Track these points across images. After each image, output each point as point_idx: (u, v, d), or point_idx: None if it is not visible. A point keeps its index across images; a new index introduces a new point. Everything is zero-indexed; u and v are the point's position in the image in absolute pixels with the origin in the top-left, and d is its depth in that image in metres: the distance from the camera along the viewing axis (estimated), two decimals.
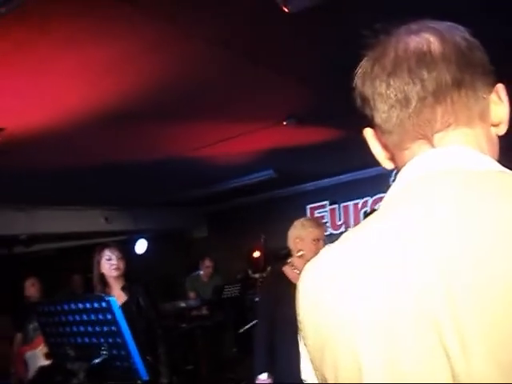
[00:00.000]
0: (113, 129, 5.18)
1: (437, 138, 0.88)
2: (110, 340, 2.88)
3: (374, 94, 0.92)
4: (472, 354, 0.68)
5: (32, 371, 5.44)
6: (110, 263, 4.07)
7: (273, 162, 7.57)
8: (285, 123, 5.60)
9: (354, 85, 0.97)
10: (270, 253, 8.19)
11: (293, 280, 3.76)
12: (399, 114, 0.89)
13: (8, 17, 2.74)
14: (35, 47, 3.35)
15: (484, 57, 0.90)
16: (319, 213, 9.68)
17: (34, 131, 4.88)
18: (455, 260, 0.72)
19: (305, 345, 0.91)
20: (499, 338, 0.67)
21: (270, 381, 3.73)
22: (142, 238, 10.04)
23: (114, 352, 2.89)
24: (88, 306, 2.91)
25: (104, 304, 2.83)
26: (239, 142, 6.22)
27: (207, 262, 8.77)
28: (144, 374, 2.86)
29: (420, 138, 0.89)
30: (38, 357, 5.36)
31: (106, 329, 2.88)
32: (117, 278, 4.10)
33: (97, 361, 2.93)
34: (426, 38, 0.88)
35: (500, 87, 0.91)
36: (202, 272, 8.82)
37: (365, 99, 0.95)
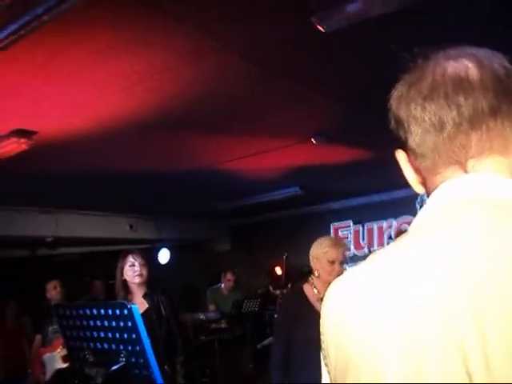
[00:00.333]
0: (143, 138, 5.23)
1: (470, 164, 0.87)
2: (130, 347, 2.89)
3: (408, 116, 0.91)
4: (496, 381, 0.67)
5: (49, 373, 5.46)
6: (133, 269, 4.07)
7: (299, 178, 7.57)
8: (313, 140, 5.61)
9: (388, 107, 0.97)
10: (291, 270, 8.17)
11: (311, 299, 3.72)
12: (433, 138, 0.88)
13: (48, 24, 2.79)
14: (72, 54, 3.41)
15: None
16: (343, 232, 9.65)
17: (65, 136, 4.95)
18: (482, 288, 0.72)
19: (326, 364, 0.90)
20: None
21: None
22: (165, 247, 10.08)
23: (133, 360, 2.89)
24: (110, 312, 2.91)
25: (126, 311, 2.83)
26: (267, 157, 6.24)
27: (229, 276, 8.76)
28: (161, 383, 2.86)
29: (453, 164, 0.88)
30: (56, 359, 5.39)
31: (126, 336, 2.89)
32: (139, 285, 4.10)
33: (115, 367, 2.93)
34: (464, 64, 0.88)
35: None
36: (223, 285, 8.81)
37: (399, 121, 0.94)
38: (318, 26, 3.07)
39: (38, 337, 5.89)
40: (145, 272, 4.10)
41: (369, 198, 9.14)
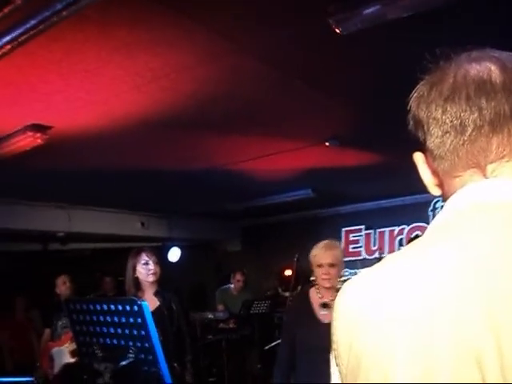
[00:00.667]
0: (156, 136, 5.25)
1: (490, 168, 0.86)
2: (139, 344, 2.90)
3: (428, 118, 0.90)
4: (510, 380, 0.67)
5: (57, 367, 5.50)
6: (147, 268, 4.07)
7: (312, 181, 7.56)
8: (327, 144, 5.60)
9: (408, 107, 0.96)
10: (301, 272, 8.16)
11: (314, 304, 3.72)
12: (453, 140, 0.88)
13: (66, 20, 2.80)
14: (90, 51, 3.43)
15: None
16: (354, 236, 9.63)
17: (80, 132, 4.97)
18: (496, 293, 0.71)
19: (337, 364, 0.90)
20: None
21: None
22: (176, 246, 10.10)
23: (142, 356, 2.91)
24: (120, 308, 2.93)
25: (136, 308, 2.85)
26: (280, 159, 6.24)
27: (238, 276, 8.76)
28: (169, 380, 2.87)
29: (472, 167, 0.88)
30: (64, 354, 5.42)
31: (135, 332, 2.90)
32: (151, 283, 4.10)
33: (123, 363, 2.95)
34: (486, 67, 0.87)
35: None
36: (232, 285, 8.82)
37: (418, 122, 0.93)
38: (335, 29, 3.06)
39: (47, 331, 5.93)
40: (158, 270, 4.11)
41: (381, 202, 9.13)
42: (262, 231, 10.68)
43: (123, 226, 9.09)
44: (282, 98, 4.43)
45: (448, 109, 0.88)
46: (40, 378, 5.71)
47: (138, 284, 4.10)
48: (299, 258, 7.61)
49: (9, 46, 2.84)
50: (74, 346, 4.97)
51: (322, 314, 3.64)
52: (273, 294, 9.06)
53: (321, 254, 3.72)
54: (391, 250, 8.94)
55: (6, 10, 2.60)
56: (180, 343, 3.95)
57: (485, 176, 0.87)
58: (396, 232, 9.18)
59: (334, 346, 0.90)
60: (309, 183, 7.71)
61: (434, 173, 0.95)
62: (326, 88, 4.25)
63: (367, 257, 9.30)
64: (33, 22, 2.64)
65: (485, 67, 0.87)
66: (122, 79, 3.89)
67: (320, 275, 3.67)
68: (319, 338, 3.55)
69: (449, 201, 0.90)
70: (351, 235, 9.68)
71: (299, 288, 7.16)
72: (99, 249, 11.03)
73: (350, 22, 3.01)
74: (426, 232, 0.89)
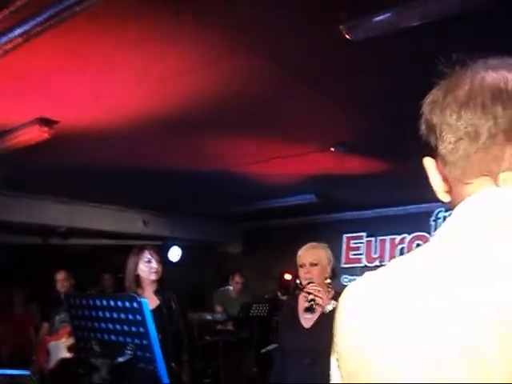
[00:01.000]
0: (163, 135, 5.26)
1: (502, 177, 0.86)
2: (137, 341, 2.90)
3: (442, 123, 0.90)
4: None
5: (53, 361, 5.49)
6: (149, 266, 4.07)
7: (315, 186, 7.57)
8: (332, 149, 5.61)
9: (421, 111, 0.95)
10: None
11: (300, 307, 3.73)
12: (466, 147, 0.87)
13: (79, 16, 2.81)
14: (100, 47, 3.44)
15: None
16: (355, 243, 9.63)
17: (86, 128, 4.98)
18: (509, 304, 0.71)
19: (339, 367, 0.90)
20: None
21: None
22: (177, 245, 10.10)
23: (139, 353, 2.90)
24: (119, 304, 2.93)
25: (135, 304, 2.85)
26: (285, 163, 6.25)
27: (237, 278, 8.76)
28: (166, 379, 2.87)
29: (484, 175, 0.87)
30: (61, 348, 5.42)
31: (134, 329, 2.90)
32: (152, 281, 4.10)
33: (120, 359, 2.94)
34: (503, 75, 0.87)
35: None
36: (231, 287, 8.81)
37: (431, 127, 0.93)
38: (346, 35, 3.07)
39: (45, 325, 5.93)
40: (160, 269, 4.11)
41: (383, 210, 9.13)
42: (264, 234, 10.68)
43: (125, 223, 9.09)
44: (290, 102, 4.44)
45: (463, 115, 0.87)
46: (35, 371, 5.71)
47: (138, 282, 4.10)
48: None
49: (19, 40, 2.86)
50: (70, 340, 4.97)
51: (304, 317, 3.66)
52: (271, 298, 9.06)
53: (302, 253, 3.75)
54: (392, 259, 8.91)
55: (18, 3, 2.61)
56: (178, 343, 3.95)
57: (496, 184, 0.87)
58: (397, 241, 9.18)
59: (336, 348, 0.90)
60: (312, 188, 7.71)
61: (444, 179, 0.94)
62: (334, 94, 4.26)
63: (367, 264, 9.30)
64: (45, 16, 2.65)
65: (502, 75, 0.87)
66: (132, 76, 3.90)
67: (302, 275, 3.69)
68: (301, 343, 3.58)
69: (458, 207, 0.89)
70: (352, 242, 9.68)
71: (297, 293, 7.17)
72: (100, 245, 11.03)
73: (361, 28, 3.02)
74: (434, 238, 0.88)
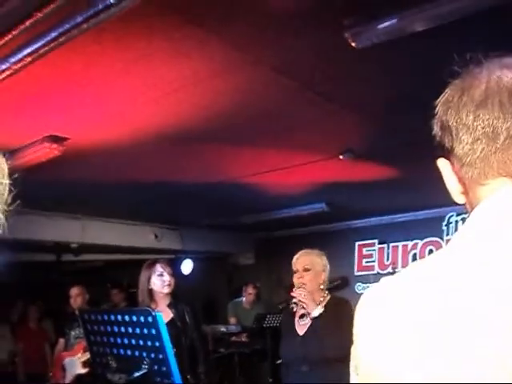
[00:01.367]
0: (172, 148, 5.28)
1: None
2: (153, 355, 2.90)
3: (458, 124, 0.89)
4: None
5: (68, 378, 5.50)
6: (161, 279, 4.08)
7: (326, 195, 7.55)
8: (341, 157, 5.60)
9: (435, 111, 0.94)
10: None
11: (297, 315, 3.74)
12: (484, 148, 0.86)
13: (87, 33, 2.84)
14: (107, 63, 3.47)
15: None
16: (367, 251, 9.59)
17: (96, 144, 5.01)
18: None
19: (357, 374, 0.89)
20: None
21: None
22: (189, 258, 10.11)
23: (155, 367, 2.91)
24: (134, 318, 2.94)
25: (150, 318, 2.85)
26: (294, 172, 6.24)
27: (250, 289, 8.74)
28: None
29: (503, 176, 0.86)
30: (76, 364, 5.43)
31: (149, 343, 2.91)
32: (165, 294, 4.10)
33: (137, 374, 2.95)
34: None
35: None
36: (244, 299, 8.80)
37: (446, 128, 0.92)
38: (351, 42, 3.08)
39: (61, 341, 5.95)
40: (173, 282, 4.12)
41: (394, 217, 9.08)
42: (275, 244, 10.65)
43: (136, 237, 9.10)
44: (297, 111, 4.45)
45: (480, 115, 0.86)
46: None
47: (151, 295, 4.10)
48: None
49: (29, 58, 2.88)
50: (86, 356, 4.98)
51: (300, 325, 3.67)
52: (284, 308, 9.01)
53: (296, 259, 3.79)
54: (404, 265, 8.87)
55: (27, 23, 2.64)
56: (193, 355, 3.94)
57: None
58: (409, 247, 9.13)
59: (353, 352, 0.90)
60: (322, 197, 7.69)
61: (460, 180, 0.93)
62: (341, 101, 4.27)
63: (380, 271, 9.25)
64: (54, 34, 2.68)
65: None
66: (139, 91, 3.92)
67: (296, 281, 3.71)
68: (297, 350, 3.58)
69: (477, 208, 0.88)
70: (364, 249, 9.64)
71: None
72: (111, 260, 11.05)
73: (365, 35, 3.02)
74: (453, 241, 0.87)
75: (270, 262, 10.55)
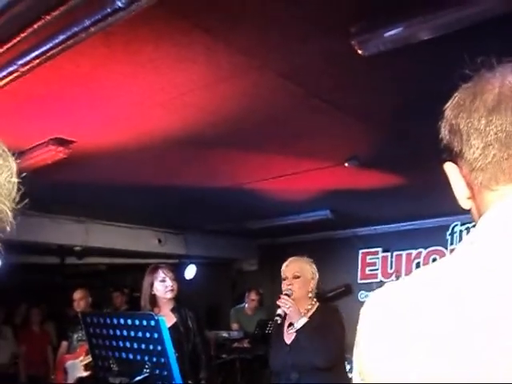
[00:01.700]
0: (178, 153, 5.28)
1: None
2: (154, 359, 2.90)
3: (469, 128, 0.88)
4: None
5: (70, 380, 5.50)
6: (164, 285, 4.08)
7: (330, 202, 7.55)
8: (346, 164, 5.60)
9: (444, 115, 0.93)
10: (317, 293, 8.10)
11: (285, 326, 3.73)
12: (496, 153, 0.85)
13: (94, 37, 2.85)
14: (115, 67, 3.48)
15: None
16: (371, 259, 9.56)
17: (102, 147, 5.02)
18: None
19: (362, 380, 0.88)
20: None
21: None
22: (192, 263, 10.10)
23: (157, 371, 2.91)
24: (137, 322, 2.94)
25: (153, 322, 2.85)
26: (299, 179, 6.24)
27: (253, 295, 8.73)
28: None
29: None
30: (78, 367, 5.43)
31: (151, 347, 2.90)
32: (169, 299, 4.10)
33: (138, 378, 2.94)
34: None
35: None
36: (246, 305, 8.78)
37: (456, 132, 0.90)
38: (358, 50, 3.08)
39: (64, 343, 5.95)
40: (175, 287, 4.12)
41: (399, 225, 9.06)
42: (279, 251, 10.61)
43: (140, 241, 9.10)
44: (303, 118, 4.45)
45: (493, 120, 0.85)
46: None
47: (154, 301, 4.10)
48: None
49: (37, 61, 2.89)
50: (87, 359, 4.99)
51: (288, 333, 3.66)
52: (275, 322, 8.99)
53: (284, 267, 3.78)
54: (408, 274, 8.84)
55: (35, 26, 2.65)
56: (195, 360, 3.94)
57: None
58: (413, 255, 9.11)
59: (358, 365, 0.89)
60: (327, 204, 7.69)
61: (468, 185, 0.92)
62: (347, 108, 4.27)
63: (384, 279, 9.23)
64: (61, 37, 2.69)
65: None
66: (146, 95, 3.93)
67: (284, 288, 3.70)
68: (285, 359, 3.56)
69: (487, 215, 0.87)
70: (368, 257, 9.62)
71: None
72: (114, 264, 11.06)
73: (372, 43, 3.03)
74: (460, 247, 0.86)
75: (274, 269, 10.46)
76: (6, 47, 2.78)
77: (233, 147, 5.19)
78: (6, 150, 0.80)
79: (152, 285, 4.11)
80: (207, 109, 4.19)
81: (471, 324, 0.74)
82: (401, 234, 9.14)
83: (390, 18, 2.90)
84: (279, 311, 3.62)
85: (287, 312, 3.57)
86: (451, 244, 8.53)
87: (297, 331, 3.56)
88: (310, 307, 3.70)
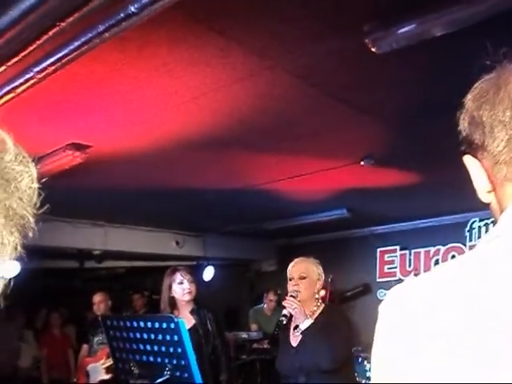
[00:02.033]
0: (194, 155, 5.30)
1: None
2: (175, 361, 2.91)
3: (494, 120, 0.86)
4: None
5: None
6: (182, 287, 4.09)
7: (347, 201, 7.53)
8: (362, 163, 5.58)
9: (465, 107, 0.91)
10: (336, 293, 8.09)
11: (292, 326, 3.72)
12: None
13: (107, 42, 2.87)
14: (129, 72, 3.50)
15: None
16: (389, 257, 9.52)
17: (118, 151, 5.05)
18: None
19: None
20: None
21: None
22: (210, 265, 10.12)
23: (177, 374, 2.92)
24: (157, 325, 2.95)
25: (172, 325, 2.87)
26: (315, 179, 6.23)
27: (271, 296, 8.72)
28: None
29: None
30: (99, 370, 5.46)
31: (171, 350, 2.92)
32: (187, 302, 4.12)
33: (159, 380, 2.96)
34: None
35: None
36: (265, 305, 8.78)
37: (478, 124, 0.88)
38: (371, 48, 3.07)
39: (85, 346, 5.99)
40: (194, 289, 4.13)
41: (416, 223, 9.01)
42: (297, 251, 10.53)
43: (158, 244, 9.14)
44: (318, 117, 4.45)
45: None
46: None
47: (173, 303, 4.11)
48: (333, 279, 7.56)
49: (53, 67, 2.92)
50: (109, 362, 5.02)
51: (294, 336, 3.64)
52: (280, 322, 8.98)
53: (291, 268, 3.76)
54: (427, 271, 8.79)
55: (50, 33, 2.67)
56: (215, 362, 3.94)
57: None
58: (432, 253, 9.05)
59: (376, 363, 0.89)
60: (344, 203, 7.67)
61: (489, 177, 0.90)
62: (361, 106, 4.25)
63: (402, 277, 9.18)
64: (76, 44, 2.71)
65: None
66: (161, 99, 3.95)
67: (290, 288, 3.69)
68: (292, 361, 3.54)
69: (509, 209, 0.86)
70: (386, 255, 9.57)
71: None
72: (133, 267, 11.11)
73: (386, 41, 3.02)
74: (481, 243, 0.85)
75: None
76: (22, 55, 2.81)
77: (248, 148, 5.20)
78: (27, 156, 0.82)
79: (170, 287, 4.13)
80: (222, 111, 4.20)
81: (489, 324, 0.73)
82: (418, 232, 9.09)
83: (402, 16, 2.89)
84: (285, 312, 3.61)
85: (293, 313, 3.56)
86: (470, 240, 8.46)
87: (302, 333, 3.54)
88: (315, 309, 3.69)
